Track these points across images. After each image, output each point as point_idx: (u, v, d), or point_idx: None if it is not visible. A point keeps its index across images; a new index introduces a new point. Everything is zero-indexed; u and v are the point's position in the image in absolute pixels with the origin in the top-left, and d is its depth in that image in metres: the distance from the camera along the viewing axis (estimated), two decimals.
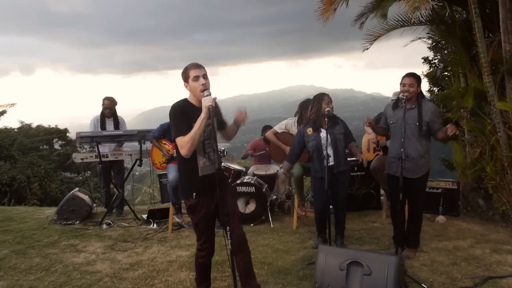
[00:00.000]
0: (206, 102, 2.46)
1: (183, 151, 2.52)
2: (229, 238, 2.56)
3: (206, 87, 2.56)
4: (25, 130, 20.59)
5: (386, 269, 2.85)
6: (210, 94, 2.52)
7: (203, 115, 2.47)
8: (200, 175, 2.63)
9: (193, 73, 2.58)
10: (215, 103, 2.59)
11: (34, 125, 21.61)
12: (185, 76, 2.62)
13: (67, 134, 21.33)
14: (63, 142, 21.14)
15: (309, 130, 3.92)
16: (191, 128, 2.50)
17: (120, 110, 5.63)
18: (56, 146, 21.09)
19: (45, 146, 20.36)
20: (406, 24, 4.97)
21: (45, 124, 21.91)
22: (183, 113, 2.59)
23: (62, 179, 17.10)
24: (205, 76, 2.59)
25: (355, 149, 4.02)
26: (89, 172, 17.39)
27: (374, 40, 5.17)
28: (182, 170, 2.73)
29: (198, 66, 2.60)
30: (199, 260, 2.85)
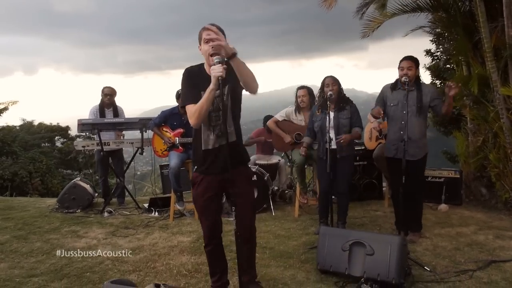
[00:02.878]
0: (215, 72, 2.12)
1: (191, 121, 2.34)
2: (234, 224, 2.38)
3: (216, 50, 2.16)
4: (27, 127, 20.57)
5: (389, 249, 2.83)
6: (220, 61, 2.13)
7: (211, 86, 2.18)
8: (203, 148, 2.45)
9: (206, 34, 2.24)
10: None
11: (35, 123, 21.58)
12: (199, 38, 2.30)
13: (69, 132, 21.29)
14: (65, 139, 21.09)
15: (318, 110, 3.98)
16: (200, 95, 2.26)
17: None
18: (58, 144, 21.03)
19: (46, 144, 20.33)
20: (407, 10, 4.92)
21: (47, 122, 21.85)
22: (190, 80, 2.38)
23: (64, 176, 17.06)
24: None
25: (353, 132, 3.92)
26: (90, 170, 17.29)
27: (378, 27, 5.12)
28: (193, 140, 2.59)
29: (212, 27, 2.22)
30: (204, 246, 2.65)
